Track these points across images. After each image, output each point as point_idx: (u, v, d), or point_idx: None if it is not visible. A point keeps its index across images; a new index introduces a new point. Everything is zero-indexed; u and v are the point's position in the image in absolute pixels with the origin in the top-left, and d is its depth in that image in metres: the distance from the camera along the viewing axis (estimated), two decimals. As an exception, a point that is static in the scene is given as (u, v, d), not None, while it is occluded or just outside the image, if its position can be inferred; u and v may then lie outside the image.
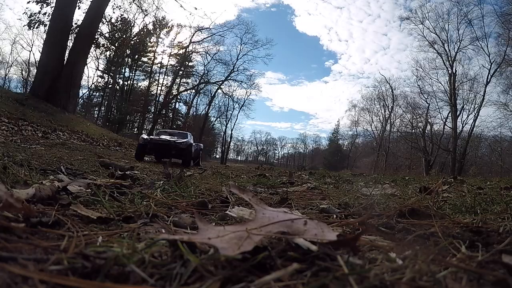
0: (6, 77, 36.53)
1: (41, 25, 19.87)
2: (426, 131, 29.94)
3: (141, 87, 40.29)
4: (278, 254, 0.67)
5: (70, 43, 17.86)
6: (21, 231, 0.75)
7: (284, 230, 0.71)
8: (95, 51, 29.25)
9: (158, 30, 36.00)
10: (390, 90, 35.97)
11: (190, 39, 37.14)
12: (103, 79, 37.36)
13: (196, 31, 36.29)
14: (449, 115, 27.67)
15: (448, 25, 27.13)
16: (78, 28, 18.13)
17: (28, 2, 19.49)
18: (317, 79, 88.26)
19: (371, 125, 39.43)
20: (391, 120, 36.28)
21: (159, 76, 39.61)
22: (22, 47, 43.73)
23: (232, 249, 0.60)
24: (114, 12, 24.60)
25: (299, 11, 76.73)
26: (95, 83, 36.64)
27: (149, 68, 38.79)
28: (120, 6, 23.71)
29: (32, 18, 20.03)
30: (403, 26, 32.15)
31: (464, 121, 26.76)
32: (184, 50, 38.20)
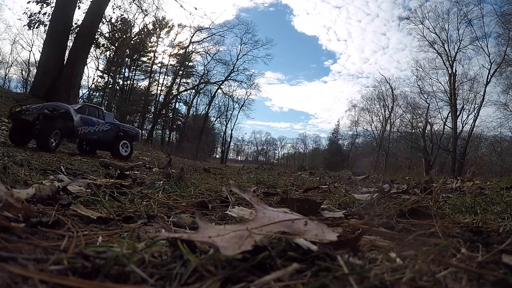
0: (6, 77, 36.49)
1: (41, 25, 19.90)
2: (426, 131, 29.95)
3: (141, 87, 40.28)
4: (278, 254, 0.67)
5: (70, 43, 17.86)
6: (21, 231, 0.75)
7: (285, 230, 0.71)
8: (95, 51, 29.23)
9: (158, 30, 36.02)
10: (390, 90, 35.96)
11: (190, 39, 37.20)
12: (103, 79, 37.31)
13: (196, 31, 36.34)
14: (449, 115, 27.67)
15: (448, 25, 27.13)
16: (78, 28, 18.14)
17: (28, 2, 19.51)
18: (316, 79, 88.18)
19: (371, 125, 39.42)
20: (391, 120, 36.27)
21: (159, 76, 39.60)
22: (22, 47, 43.76)
23: (232, 248, 0.60)
24: (114, 12, 24.66)
25: (298, 10, 76.71)
26: (95, 83, 36.58)
27: (149, 68, 38.77)
28: (120, 6, 23.73)
29: (32, 18, 20.05)
30: (403, 26, 32.07)
31: (464, 121, 26.77)
32: (184, 50, 38.22)
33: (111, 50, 31.07)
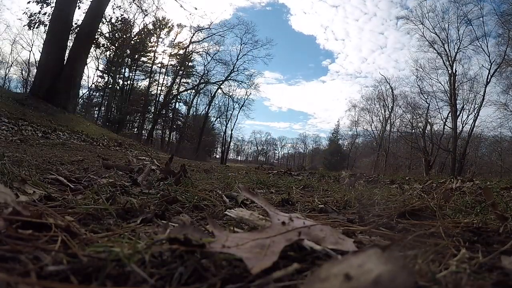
0: (6, 77, 36.44)
1: (41, 25, 19.93)
2: (426, 131, 29.93)
3: (141, 87, 40.23)
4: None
5: (70, 43, 17.86)
6: (27, 236, 0.74)
7: (303, 238, 0.70)
8: (95, 51, 29.25)
9: (158, 30, 35.99)
10: (390, 90, 35.91)
11: (190, 39, 37.17)
12: (103, 79, 37.27)
13: (196, 31, 36.32)
14: (449, 115, 27.64)
15: (448, 24, 27.08)
16: (78, 28, 18.16)
17: (28, 2, 19.54)
18: (315, 79, 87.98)
19: (371, 125, 39.39)
20: (391, 120, 36.24)
21: (159, 76, 39.55)
22: (22, 47, 43.62)
23: (256, 259, 0.58)
24: (114, 12, 24.71)
25: (295, 10, 76.70)
26: (95, 83, 36.55)
27: (149, 68, 38.72)
28: (120, 6, 23.75)
29: (32, 18, 20.09)
30: (402, 26, 31.94)
31: (464, 121, 26.75)
32: (184, 50, 38.20)
33: (111, 50, 31.09)
